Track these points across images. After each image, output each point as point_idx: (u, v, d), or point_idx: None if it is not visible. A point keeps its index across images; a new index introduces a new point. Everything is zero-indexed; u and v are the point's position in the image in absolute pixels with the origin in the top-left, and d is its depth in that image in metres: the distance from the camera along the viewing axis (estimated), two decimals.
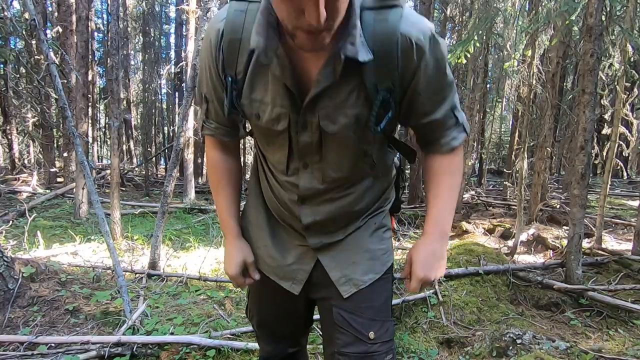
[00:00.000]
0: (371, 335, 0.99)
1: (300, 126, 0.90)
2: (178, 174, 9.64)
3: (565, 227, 5.45)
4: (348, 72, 0.82)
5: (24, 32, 7.48)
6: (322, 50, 0.79)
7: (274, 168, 1.02)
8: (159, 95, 17.79)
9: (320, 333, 2.48)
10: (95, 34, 15.94)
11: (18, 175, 9.93)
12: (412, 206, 8.01)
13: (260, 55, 0.82)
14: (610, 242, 5.16)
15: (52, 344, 2.28)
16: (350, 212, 1.03)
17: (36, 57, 8.95)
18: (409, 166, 8.56)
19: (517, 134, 7.98)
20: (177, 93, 16.70)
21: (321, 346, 2.37)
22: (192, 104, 5.91)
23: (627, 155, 8.51)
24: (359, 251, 1.05)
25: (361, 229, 1.07)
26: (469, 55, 5.02)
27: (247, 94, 0.91)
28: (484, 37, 5.70)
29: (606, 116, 7.02)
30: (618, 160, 5.22)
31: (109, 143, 18.81)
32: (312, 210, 1.01)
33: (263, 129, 0.94)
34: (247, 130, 1.07)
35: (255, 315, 1.22)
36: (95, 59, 15.81)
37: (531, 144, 6.74)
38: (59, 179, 10.24)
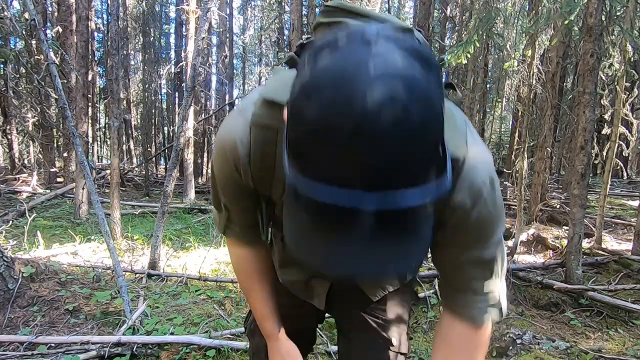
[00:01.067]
0: (394, 341, 1.00)
1: None
2: (178, 174, 9.65)
3: (565, 227, 5.45)
4: None
5: (24, 32, 7.47)
6: None
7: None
8: (159, 95, 17.79)
9: (321, 333, 2.49)
10: (95, 34, 15.93)
11: (18, 175, 9.93)
12: None
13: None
14: (610, 242, 5.16)
15: (52, 344, 2.28)
16: None
17: (36, 57, 8.94)
18: None
19: (517, 134, 7.98)
20: (177, 93, 16.69)
21: (321, 346, 2.38)
22: (192, 104, 5.90)
23: (627, 155, 8.51)
24: None
25: None
26: (469, 55, 5.02)
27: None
28: (484, 37, 5.70)
29: (606, 116, 7.02)
30: (618, 160, 5.22)
31: (109, 143, 18.81)
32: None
33: None
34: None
35: (261, 335, 1.16)
36: (95, 59, 15.79)
37: (531, 144, 6.74)
38: (59, 179, 10.23)
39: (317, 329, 1.35)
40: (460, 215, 0.69)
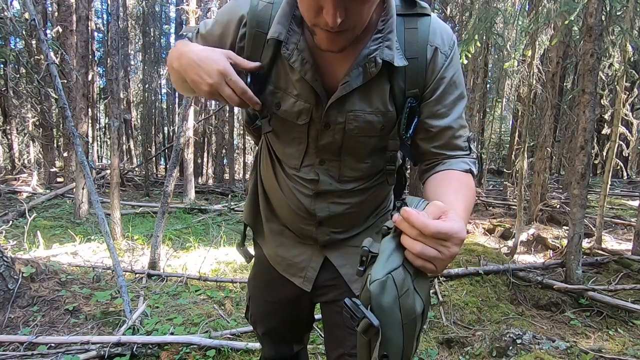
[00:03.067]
0: None
1: (323, 125, 0.89)
2: (178, 174, 9.65)
3: (565, 227, 5.45)
4: (378, 75, 0.82)
5: (24, 32, 7.47)
6: (347, 51, 0.80)
7: (284, 163, 0.99)
8: (159, 95, 17.79)
9: (320, 333, 2.48)
10: (95, 34, 15.94)
11: (18, 175, 9.93)
12: None
13: (281, 48, 0.81)
14: (610, 242, 5.16)
15: (52, 344, 2.28)
16: (361, 210, 1.03)
17: (36, 57, 8.95)
18: (408, 167, 8.56)
19: (517, 134, 7.98)
20: (177, 93, 16.69)
21: (321, 346, 2.38)
22: (192, 104, 5.90)
23: (627, 155, 8.50)
24: None
25: (369, 228, 1.08)
26: (469, 55, 5.02)
27: (270, 84, 0.89)
28: (484, 37, 5.70)
29: (606, 116, 7.02)
30: (618, 160, 5.21)
31: (109, 143, 18.82)
32: (327, 205, 0.99)
33: (280, 119, 0.92)
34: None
35: (261, 324, 1.22)
36: (95, 59, 15.80)
37: (531, 144, 6.75)
38: (59, 179, 10.23)
39: (316, 328, 1.38)
40: (442, 65, 0.84)
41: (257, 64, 0.84)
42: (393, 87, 0.85)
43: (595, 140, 5.02)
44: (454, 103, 0.88)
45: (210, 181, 15.10)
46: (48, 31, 10.09)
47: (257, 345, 2.29)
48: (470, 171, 0.89)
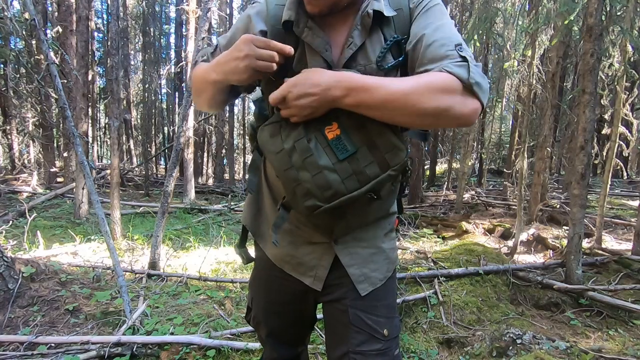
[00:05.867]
0: (385, 332, 1.03)
1: None
2: (178, 174, 9.65)
3: (565, 227, 5.45)
4: (373, 30, 0.94)
5: (24, 32, 7.47)
6: (348, 20, 0.95)
7: None
8: (159, 95, 17.79)
9: (321, 333, 2.48)
10: (95, 34, 15.94)
11: (18, 175, 9.94)
12: (412, 206, 8.02)
13: (293, 27, 0.94)
14: (610, 242, 5.16)
15: (52, 344, 2.28)
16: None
17: (36, 57, 8.95)
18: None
19: (517, 134, 7.98)
20: (177, 93, 16.70)
21: (321, 346, 2.38)
22: (192, 104, 5.90)
23: (627, 155, 8.51)
24: (375, 251, 1.08)
25: (378, 228, 1.09)
26: None
27: (293, 70, 0.97)
28: (484, 37, 5.70)
29: (606, 116, 7.03)
30: (618, 160, 5.22)
31: (109, 143, 18.82)
32: None
33: None
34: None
35: (265, 325, 1.22)
36: (95, 59, 15.80)
37: (531, 144, 6.74)
38: (59, 179, 10.24)
39: (316, 328, 1.38)
40: (418, 3, 0.95)
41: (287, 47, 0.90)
42: (387, 38, 0.95)
43: (595, 140, 5.03)
44: (434, 25, 0.91)
45: (210, 181, 15.10)
46: (48, 31, 10.08)
47: (257, 345, 2.29)
48: (448, 72, 0.83)
